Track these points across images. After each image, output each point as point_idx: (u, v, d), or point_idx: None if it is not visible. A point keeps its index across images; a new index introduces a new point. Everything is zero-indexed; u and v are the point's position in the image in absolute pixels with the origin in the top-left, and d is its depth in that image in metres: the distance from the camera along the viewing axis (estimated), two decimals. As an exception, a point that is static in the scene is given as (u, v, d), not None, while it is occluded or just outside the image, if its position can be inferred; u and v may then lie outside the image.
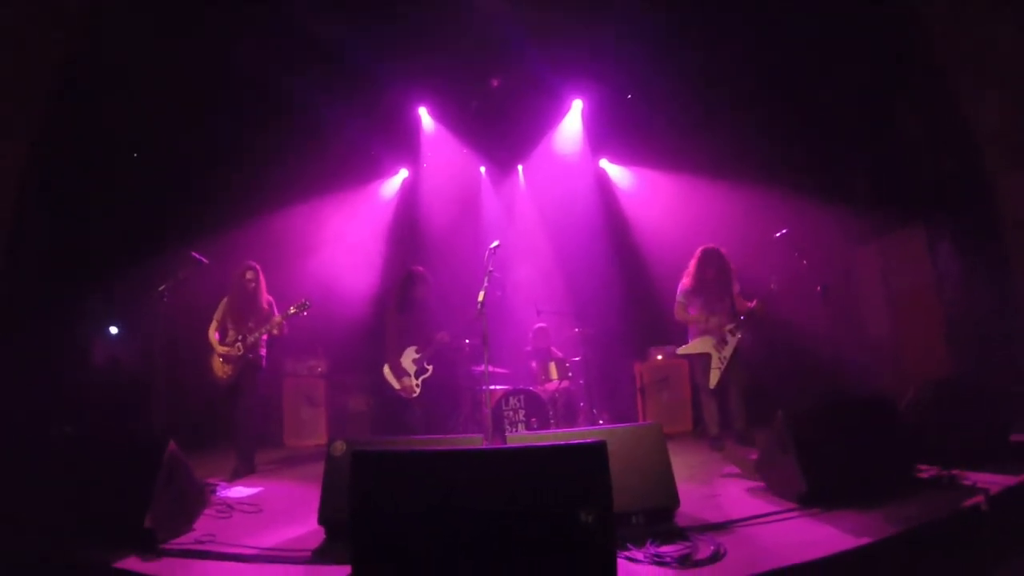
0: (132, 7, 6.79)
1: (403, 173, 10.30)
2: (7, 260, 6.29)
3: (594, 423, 7.61)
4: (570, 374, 7.92)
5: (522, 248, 9.79)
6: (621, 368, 8.95)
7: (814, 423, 4.18)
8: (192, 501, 4.28)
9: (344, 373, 8.88)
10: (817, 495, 3.88)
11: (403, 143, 9.87)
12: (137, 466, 3.91)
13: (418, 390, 6.86)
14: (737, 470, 5.41)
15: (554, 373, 7.85)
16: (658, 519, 3.80)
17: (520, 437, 4.67)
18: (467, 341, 7.76)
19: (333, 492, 3.90)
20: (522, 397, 7.24)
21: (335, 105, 8.60)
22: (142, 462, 3.91)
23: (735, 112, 8.46)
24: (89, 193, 7.68)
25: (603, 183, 10.17)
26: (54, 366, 7.14)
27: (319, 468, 4.22)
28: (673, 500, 3.89)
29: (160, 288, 5.76)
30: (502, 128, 9.83)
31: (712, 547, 3.26)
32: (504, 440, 6.12)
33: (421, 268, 7.19)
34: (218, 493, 5.21)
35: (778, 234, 6.67)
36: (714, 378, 6.46)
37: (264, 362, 6.61)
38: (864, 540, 3.21)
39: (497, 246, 5.70)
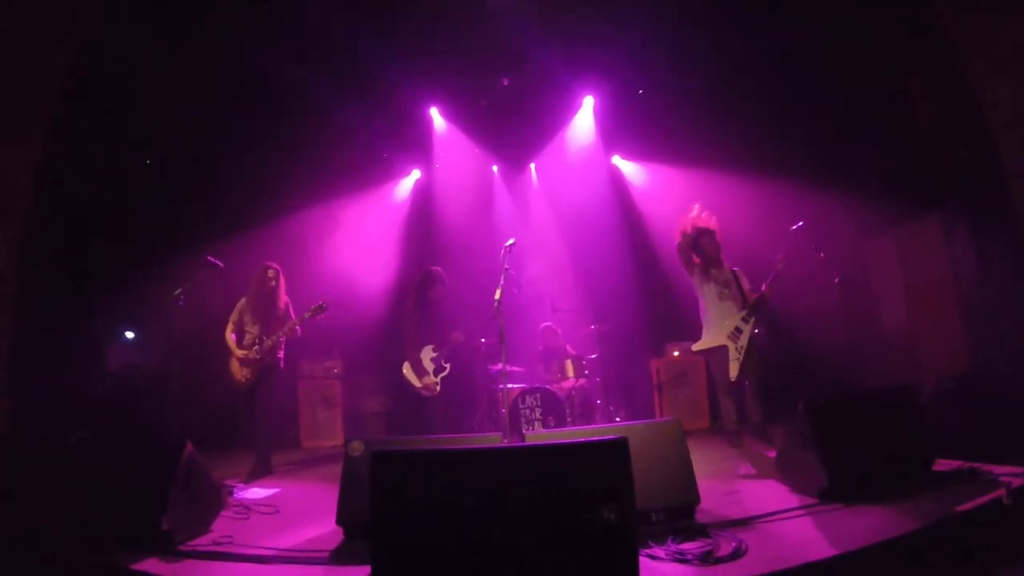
0: (143, 11, 6.81)
1: (416, 174, 10.30)
2: (22, 265, 6.32)
3: (611, 421, 7.58)
4: (586, 372, 7.90)
5: (536, 246, 9.77)
6: (638, 365, 8.93)
7: (834, 417, 4.12)
8: (209, 502, 4.28)
9: (360, 374, 8.92)
10: (838, 490, 3.83)
11: (415, 144, 9.89)
12: (154, 468, 3.91)
13: (438, 388, 6.85)
14: (756, 466, 5.37)
15: (570, 371, 7.82)
16: (679, 516, 3.75)
17: (538, 435, 4.65)
18: (483, 340, 7.77)
19: (351, 492, 3.88)
20: (539, 395, 7.22)
21: (347, 107, 8.59)
22: (159, 464, 3.92)
23: (748, 105, 8.38)
24: (103, 197, 7.70)
25: (616, 179, 10.15)
26: (70, 371, 7.17)
27: (336, 469, 4.22)
28: (693, 497, 3.85)
29: (176, 292, 5.77)
30: (514, 126, 9.80)
31: (733, 544, 3.22)
32: (522, 438, 6.10)
33: (438, 268, 7.18)
34: (235, 494, 5.22)
35: (794, 227, 6.61)
36: (734, 369, 6.36)
37: (282, 364, 6.68)
38: (886, 535, 3.16)
39: (512, 244, 5.68)
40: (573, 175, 10.05)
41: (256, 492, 5.40)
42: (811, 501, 3.94)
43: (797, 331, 7.68)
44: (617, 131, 9.84)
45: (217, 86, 7.93)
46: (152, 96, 7.60)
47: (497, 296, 5.36)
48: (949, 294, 7.16)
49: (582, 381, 7.82)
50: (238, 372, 6.46)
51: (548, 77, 8.89)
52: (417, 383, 6.83)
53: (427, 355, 6.91)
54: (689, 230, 6.68)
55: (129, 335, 8.64)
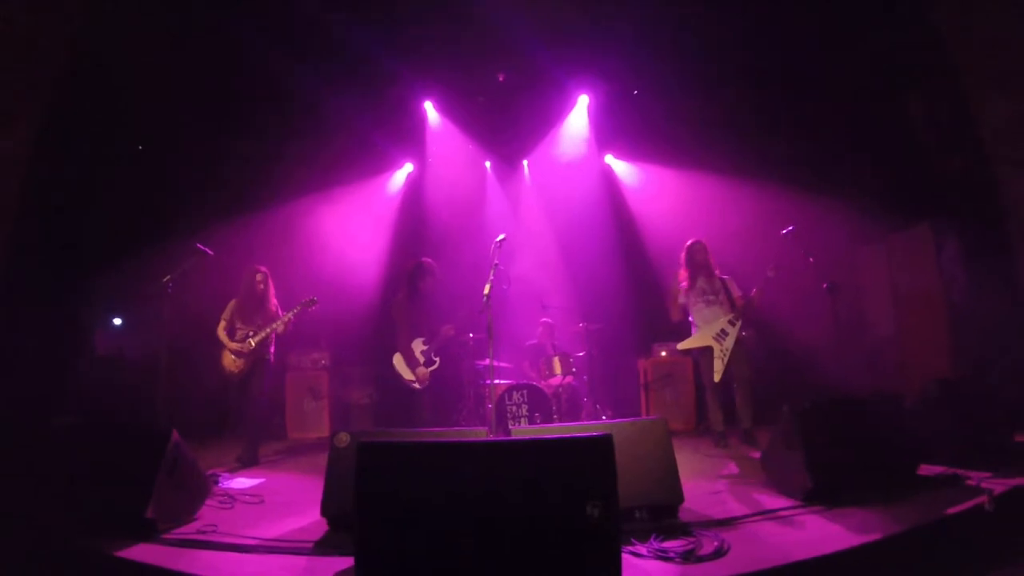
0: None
1: (408, 167, 10.28)
2: (12, 250, 6.29)
3: (597, 419, 7.59)
4: (574, 369, 7.91)
5: (527, 243, 9.75)
6: (625, 364, 8.96)
7: (820, 420, 4.15)
8: (194, 491, 4.28)
9: (347, 366, 8.91)
10: (822, 492, 3.87)
11: (409, 137, 9.86)
12: (140, 455, 3.90)
13: (427, 381, 6.85)
14: (741, 466, 5.40)
15: (558, 368, 7.82)
16: (662, 515, 3.78)
17: (525, 431, 4.66)
18: (471, 335, 7.76)
19: (336, 484, 3.88)
20: (525, 392, 7.23)
21: (341, 98, 8.62)
22: (145, 451, 3.90)
23: (743, 109, 8.43)
24: (94, 183, 7.68)
25: (609, 179, 10.15)
26: (58, 356, 7.16)
27: (321, 460, 4.22)
28: (677, 496, 3.87)
29: (165, 279, 5.76)
30: (508, 123, 9.79)
31: (716, 543, 3.24)
32: (508, 434, 6.10)
33: (429, 259, 7.18)
34: (220, 484, 5.22)
35: (784, 231, 6.66)
36: (718, 369, 6.43)
37: (272, 358, 6.80)
38: (868, 538, 3.20)
39: (503, 240, 5.68)
40: (566, 173, 10.06)
41: (241, 482, 5.39)
42: (795, 503, 3.97)
43: (785, 335, 7.72)
44: (611, 131, 9.84)
45: (210, 74, 7.90)
46: (143, 83, 7.56)
47: (486, 291, 5.35)
48: (938, 302, 7.22)
49: (569, 379, 7.83)
50: (231, 364, 6.55)
51: (544, 75, 8.88)
52: (408, 375, 6.82)
53: (418, 347, 6.91)
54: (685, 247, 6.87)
55: (117, 321, 8.60)
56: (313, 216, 9.32)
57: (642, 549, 3.25)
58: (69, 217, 7.38)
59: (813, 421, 4.11)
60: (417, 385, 6.80)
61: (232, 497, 4.74)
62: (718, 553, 3.14)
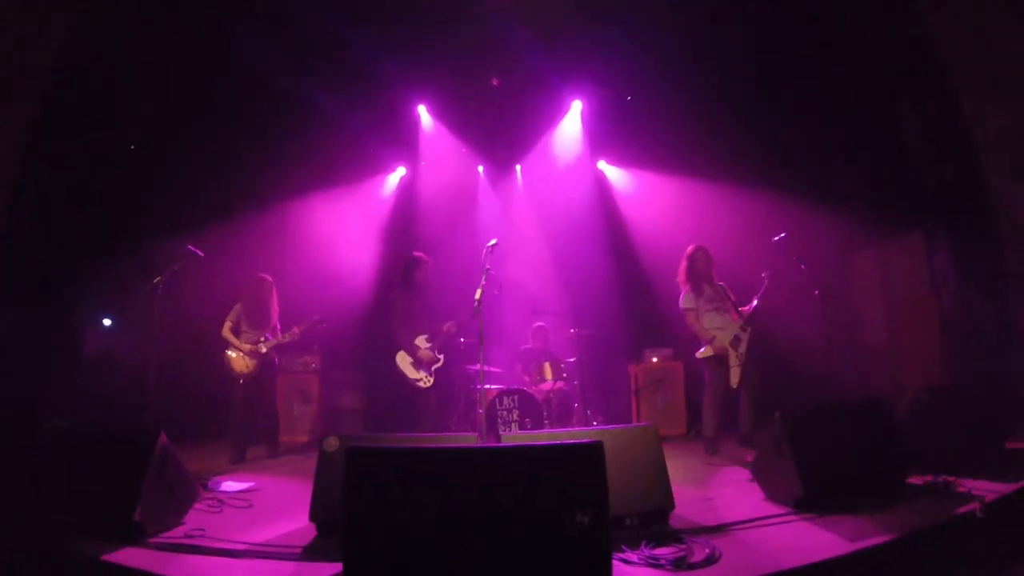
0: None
1: (401, 171, 10.27)
2: (2, 249, 6.27)
3: (588, 424, 7.58)
4: (565, 375, 7.90)
5: (519, 248, 9.75)
6: (616, 370, 8.96)
7: (811, 428, 4.16)
8: (182, 494, 4.25)
9: (338, 370, 8.86)
10: (813, 500, 3.86)
11: (402, 140, 9.87)
12: (128, 457, 3.88)
13: (431, 380, 6.84)
14: (732, 473, 5.41)
15: (549, 374, 7.82)
16: (653, 521, 3.78)
17: (515, 436, 4.64)
18: (462, 340, 7.74)
19: (325, 488, 3.86)
20: (516, 397, 7.21)
21: (334, 100, 8.62)
22: (133, 453, 3.89)
23: (734, 116, 8.45)
24: (84, 183, 7.64)
25: (601, 184, 10.18)
26: (46, 357, 7.13)
27: (310, 464, 4.21)
28: (668, 502, 3.88)
29: (156, 280, 5.76)
30: (501, 127, 9.81)
31: (707, 550, 3.24)
32: (499, 439, 6.08)
33: (420, 253, 7.23)
34: (209, 487, 5.18)
35: (776, 238, 6.68)
36: (735, 377, 6.45)
37: (276, 361, 7.23)
38: (859, 545, 3.20)
39: (495, 244, 5.67)
40: (558, 178, 10.09)
41: (230, 485, 5.36)
42: (785, 510, 3.97)
43: (777, 341, 7.74)
44: (604, 136, 9.87)
45: (205, 75, 7.87)
46: (136, 84, 7.54)
47: (477, 296, 5.35)
48: (929, 309, 7.26)
49: (560, 384, 7.83)
50: (240, 364, 6.88)
51: (538, 80, 8.91)
52: (413, 374, 6.81)
53: (422, 344, 6.90)
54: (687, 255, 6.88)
55: (107, 322, 8.56)
56: (305, 219, 9.28)
57: (633, 556, 3.23)
58: (59, 217, 7.34)
59: (803, 429, 4.11)
60: (422, 384, 6.78)
61: (221, 501, 4.72)
62: (709, 560, 3.13)
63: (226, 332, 6.97)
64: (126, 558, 3.43)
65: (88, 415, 6.69)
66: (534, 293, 8.98)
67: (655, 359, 8.37)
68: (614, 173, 10.19)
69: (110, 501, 3.73)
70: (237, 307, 7.12)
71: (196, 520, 4.16)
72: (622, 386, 8.75)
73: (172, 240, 6.99)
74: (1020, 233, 6.37)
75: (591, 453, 2.79)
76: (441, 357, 6.97)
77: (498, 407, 7.17)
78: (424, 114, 9.80)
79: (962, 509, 3.65)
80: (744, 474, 4.83)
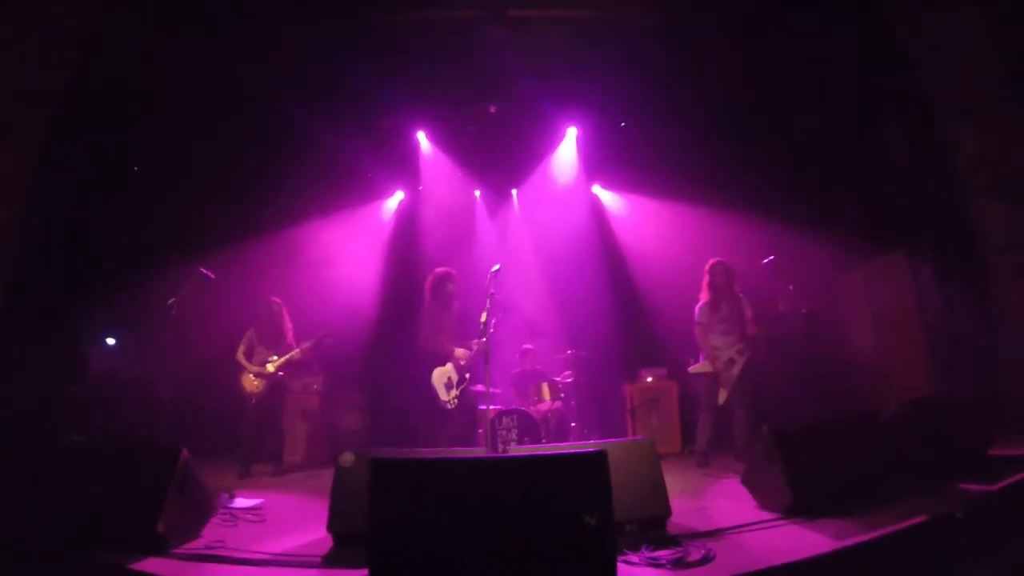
0: (136, 27, 6.96)
1: (399, 195, 10.50)
2: (11, 269, 6.40)
3: (585, 442, 7.73)
4: (562, 395, 8.07)
5: (516, 271, 9.92)
6: (612, 390, 9.12)
7: (799, 438, 4.39)
8: (201, 508, 4.42)
9: (340, 391, 9.00)
10: (802, 506, 4.08)
11: (402, 165, 10.11)
12: (150, 472, 4.07)
13: (456, 402, 6.87)
14: (726, 485, 5.61)
15: (547, 394, 7.99)
16: (651, 528, 3.98)
17: (522, 450, 4.85)
18: (462, 362, 7.93)
19: (342, 501, 4.06)
20: (515, 417, 7.36)
21: (338, 128, 8.88)
22: (155, 468, 4.07)
23: (725, 142, 8.72)
24: (91, 206, 7.83)
25: (596, 208, 10.42)
26: (54, 376, 7.28)
27: (314, 483, 4.39)
28: (665, 510, 4.10)
29: (169, 301, 5.96)
30: (499, 153, 10.08)
31: (703, 551, 3.47)
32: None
33: (446, 268, 7.30)
34: (220, 503, 5.34)
35: (765, 260, 6.93)
36: (723, 396, 6.71)
37: (287, 380, 7.47)
38: (843, 543, 3.43)
39: (498, 270, 5.88)
40: (554, 203, 10.31)
41: (240, 502, 5.51)
42: (776, 516, 4.19)
43: (770, 359, 7.96)
44: (598, 161, 10.13)
45: (212, 101, 8.14)
46: (144, 110, 7.75)
47: (483, 319, 5.55)
48: (915, 325, 7.48)
49: (558, 404, 7.99)
50: (252, 386, 7.16)
51: (533, 107, 9.19)
52: (444, 395, 6.82)
53: (460, 354, 6.95)
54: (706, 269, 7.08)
55: (111, 341, 8.70)
56: (309, 243, 9.46)
57: (634, 558, 3.47)
58: (67, 238, 7.51)
59: (791, 440, 4.35)
60: (449, 405, 6.84)
61: (234, 515, 4.88)
62: (705, 560, 3.37)
63: (239, 356, 7.27)
64: (152, 567, 3.60)
65: (99, 432, 6.86)
66: (531, 315, 9.17)
67: (650, 379, 8.54)
68: (608, 197, 10.43)
69: (134, 513, 3.90)
70: (250, 332, 7.42)
71: (213, 533, 4.32)
72: (618, 406, 8.91)
73: (177, 264, 7.21)
74: (997, 250, 6.66)
75: (597, 461, 3.04)
76: (468, 377, 6.98)
77: (498, 426, 7.34)
78: (423, 140, 10.04)
79: (943, 509, 3.86)
80: (737, 486, 5.03)
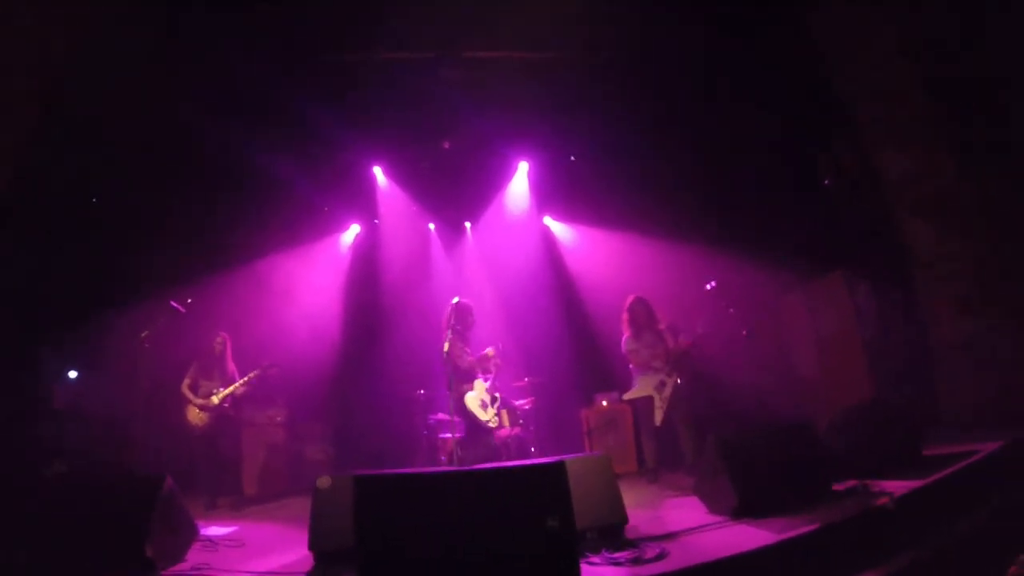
0: (103, 63, 7.04)
1: (355, 228, 10.76)
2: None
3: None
4: (521, 421, 8.33)
5: (472, 300, 10.11)
6: (568, 414, 9.36)
7: (742, 446, 4.80)
8: (184, 534, 4.62)
9: (303, 423, 9.12)
10: (747, 508, 4.47)
11: (359, 200, 10.39)
12: (135, 498, 4.26)
13: (497, 420, 7.16)
14: (678, 497, 5.97)
15: (506, 421, 8.24)
16: (610, 534, 4.34)
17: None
18: (421, 391, 8.20)
19: (323, 521, 4.31)
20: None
21: (297, 163, 9.12)
22: (140, 495, 4.27)
23: (669, 173, 9.24)
24: (52, 243, 7.92)
25: (548, 239, 10.82)
26: (20, 410, 7.34)
27: (285, 512, 4.63)
28: (623, 518, 4.47)
29: (143, 334, 6.14)
30: (453, 187, 10.43)
31: (657, 550, 3.86)
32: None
33: (463, 300, 7.44)
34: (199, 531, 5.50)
35: (708, 286, 7.38)
36: (659, 417, 7.04)
37: (233, 412, 7.45)
38: (784, 536, 3.84)
39: (458, 302, 6.17)
40: (508, 234, 10.67)
41: (215, 530, 5.68)
42: (725, 518, 4.58)
43: (713, 377, 8.35)
44: (549, 194, 10.57)
45: (167, 138, 8.26)
46: (102, 146, 7.87)
47: (445, 348, 5.83)
48: (854, 341, 7.90)
49: (517, 430, 8.22)
50: (196, 418, 7.14)
51: (486, 143, 9.60)
52: (483, 415, 7.07)
53: (480, 386, 7.20)
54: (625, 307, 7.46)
55: (72, 374, 8.71)
56: (269, 277, 9.62)
57: (596, 559, 3.85)
58: (28, 273, 7.58)
59: (736, 447, 4.76)
60: (491, 424, 7.08)
61: (213, 541, 5.06)
62: (659, 556, 3.76)
63: (184, 388, 7.32)
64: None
65: (76, 462, 6.96)
66: (487, 344, 9.43)
67: (604, 402, 8.84)
68: (559, 228, 10.86)
69: (121, 538, 4.07)
70: (193, 365, 7.49)
71: (197, 557, 4.53)
72: (575, 429, 9.16)
73: (136, 299, 7.53)
74: (924, 265, 7.24)
75: (556, 472, 3.40)
76: (499, 396, 7.31)
77: (459, 452, 7.59)
78: (380, 175, 10.35)
79: (876, 503, 4.27)
80: (691, 498, 5.36)
